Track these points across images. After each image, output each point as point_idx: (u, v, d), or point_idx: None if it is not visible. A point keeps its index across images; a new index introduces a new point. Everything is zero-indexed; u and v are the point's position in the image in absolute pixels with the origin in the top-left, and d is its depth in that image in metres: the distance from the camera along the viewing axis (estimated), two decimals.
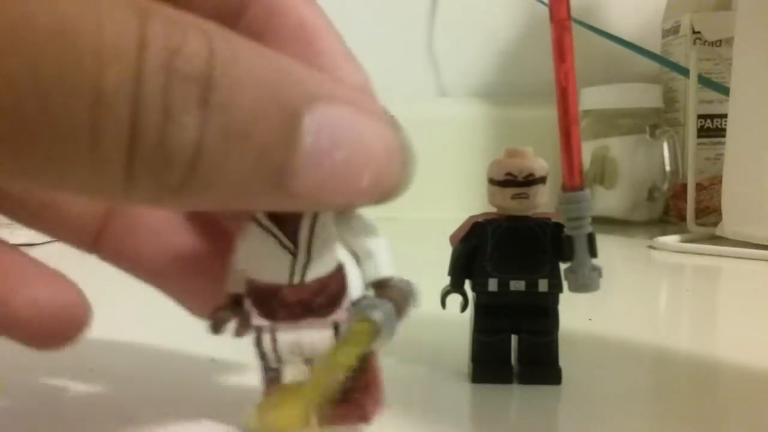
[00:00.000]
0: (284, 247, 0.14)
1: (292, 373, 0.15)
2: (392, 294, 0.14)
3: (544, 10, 0.17)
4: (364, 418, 0.15)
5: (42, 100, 0.08)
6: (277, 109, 0.10)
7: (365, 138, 0.11)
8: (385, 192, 0.12)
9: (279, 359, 0.15)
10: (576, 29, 0.18)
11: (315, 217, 0.14)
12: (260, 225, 0.14)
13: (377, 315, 0.13)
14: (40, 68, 0.08)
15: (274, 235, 0.14)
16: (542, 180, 0.19)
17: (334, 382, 0.12)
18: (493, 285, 0.19)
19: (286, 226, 0.14)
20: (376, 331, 0.13)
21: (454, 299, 0.20)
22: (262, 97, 0.10)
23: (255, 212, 0.14)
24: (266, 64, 0.10)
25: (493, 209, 0.20)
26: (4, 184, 0.09)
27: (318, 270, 0.14)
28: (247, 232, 0.14)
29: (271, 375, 0.15)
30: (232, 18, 0.13)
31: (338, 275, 0.14)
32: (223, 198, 0.10)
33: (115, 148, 0.09)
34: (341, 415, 0.15)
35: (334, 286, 0.14)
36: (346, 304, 0.14)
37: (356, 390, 0.15)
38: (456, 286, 0.20)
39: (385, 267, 0.15)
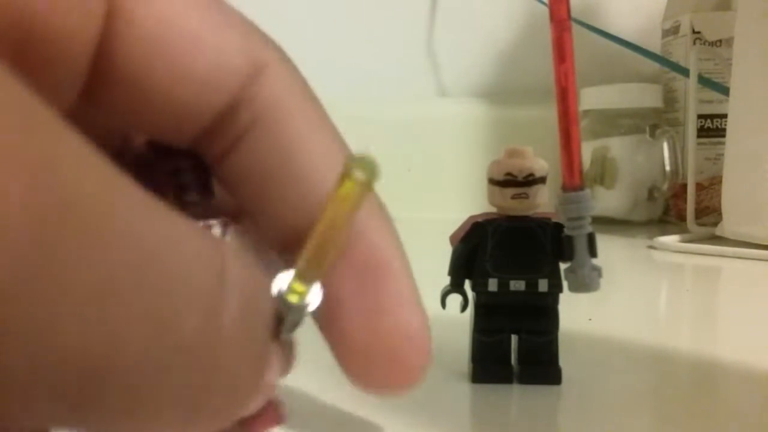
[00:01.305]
0: None
1: None
2: None
3: (544, 10, 0.17)
4: (280, 419, 0.15)
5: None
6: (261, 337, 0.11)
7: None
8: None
9: None
10: (576, 29, 0.18)
11: (225, 230, 0.14)
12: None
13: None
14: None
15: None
16: (542, 180, 0.19)
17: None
18: (493, 285, 0.19)
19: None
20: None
21: (454, 299, 0.20)
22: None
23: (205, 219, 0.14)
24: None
25: (493, 209, 0.20)
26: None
27: None
28: None
29: None
30: (294, 232, 0.13)
31: None
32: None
33: (183, 401, 0.09)
34: (257, 420, 0.15)
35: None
36: None
37: None
38: (456, 286, 0.20)
39: None
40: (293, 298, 0.11)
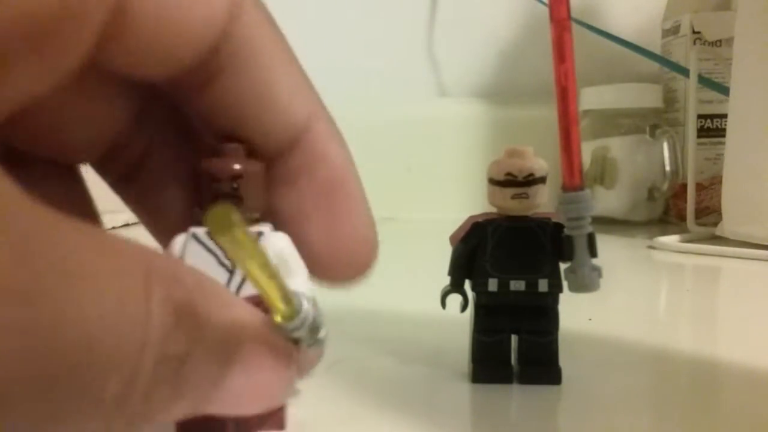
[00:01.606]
0: (222, 264, 0.15)
1: None
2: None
3: (544, 10, 0.17)
4: (281, 425, 0.16)
5: None
6: (213, 368, 0.12)
7: (267, 381, 0.13)
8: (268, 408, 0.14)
9: None
10: (576, 29, 0.18)
11: (255, 239, 0.15)
12: (200, 242, 0.15)
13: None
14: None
15: (213, 253, 0.15)
16: (542, 180, 0.19)
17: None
18: (493, 285, 0.19)
19: None
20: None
21: (454, 299, 0.20)
22: (208, 360, 0.11)
23: (195, 228, 0.15)
24: (223, 321, 0.12)
25: (493, 209, 0.20)
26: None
27: (252, 289, 0.14)
28: (187, 247, 0.15)
29: None
30: (279, 157, 0.15)
31: None
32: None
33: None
34: (259, 422, 0.15)
35: (265, 306, 0.14)
36: None
37: None
38: (456, 286, 0.20)
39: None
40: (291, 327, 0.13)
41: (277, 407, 0.15)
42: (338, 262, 0.15)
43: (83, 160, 0.15)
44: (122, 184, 0.16)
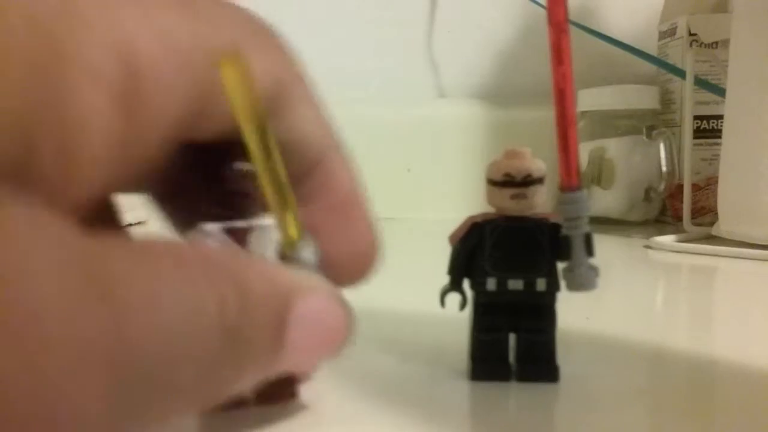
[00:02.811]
0: None
1: None
2: None
3: (542, 13, 0.18)
4: (293, 394, 0.17)
5: None
6: (270, 325, 0.13)
7: (328, 325, 0.14)
8: (334, 357, 0.15)
9: None
10: (573, 31, 0.18)
11: (266, 232, 0.16)
12: (209, 235, 0.15)
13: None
14: None
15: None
16: (540, 180, 0.19)
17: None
18: (491, 284, 0.20)
19: (236, 238, 0.16)
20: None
21: (453, 298, 0.20)
22: (263, 321, 0.13)
23: (204, 222, 0.16)
24: (266, 280, 0.13)
25: (491, 209, 0.20)
26: None
27: None
28: (197, 241, 0.15)
29: None
30: (296, 181, 0.16)
31: None
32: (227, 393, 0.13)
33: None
34: (272, 395, 0.16)
35: None
36: None
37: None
38: (455, 285, 0.20)
39: None
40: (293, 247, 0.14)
41: (337, 351, 0.16)
42: (347, 267, 0.17)
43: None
44: (160, 201, 0.17)
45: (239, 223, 0.16)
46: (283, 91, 0.15)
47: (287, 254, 0.15)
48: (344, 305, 0.14)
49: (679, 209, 0.51)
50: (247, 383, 0.13)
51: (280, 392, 0.17)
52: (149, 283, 0.10)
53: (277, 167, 0.14)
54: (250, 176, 0.15)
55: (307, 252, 0.15)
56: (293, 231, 0.15)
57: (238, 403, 0.16)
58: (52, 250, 0.09)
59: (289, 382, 0.17)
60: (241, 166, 0.15)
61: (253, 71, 0.13)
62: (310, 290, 0.14)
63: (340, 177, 0.17)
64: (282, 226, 0.14)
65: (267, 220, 0.16)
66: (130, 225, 0.24)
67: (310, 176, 0.17)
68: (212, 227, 0.16)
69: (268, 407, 0.17)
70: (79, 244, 0.10)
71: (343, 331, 0.14)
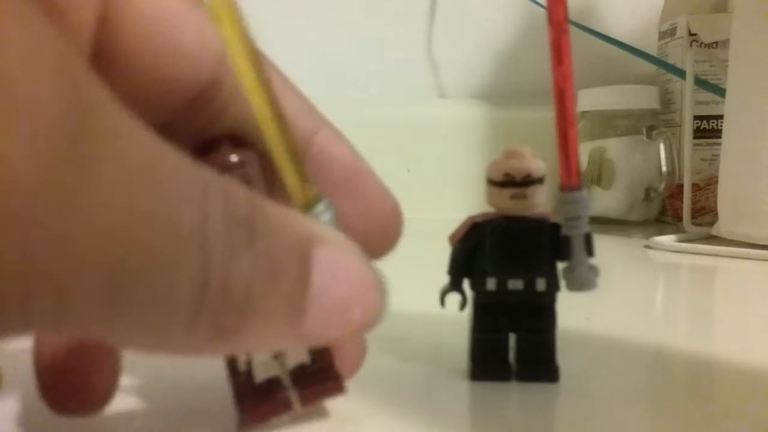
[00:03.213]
0: None
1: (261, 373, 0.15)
2: None
3: (542, 13, 0.18)
4: (340, 388, 0.16)
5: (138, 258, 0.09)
6: (294, 252, 0.11)
7: (355, 276, 0.12)
8: (371, 322, 0.13)
9: (249, 361, 0.15)
10: (573, 31, 0.18)
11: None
12: None
13: None
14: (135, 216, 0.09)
15: None
16: (540, 180, 0.19)
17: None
18: (491, 284, 0.20)
19: None
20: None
21: (453, 298, 0.20)
22: (286, 242, 0.11)
23: None
24: (284, 214, 0.12)
25: (491, 209, 0.20)
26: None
27: None
28: None
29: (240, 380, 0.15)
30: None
31: None
32: (255, 341, 0.11)
33: (188, 298, 0.10)
34: (318, 392, 0.16)
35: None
36: None
37: (323, 365, 0.16)
38: (455, 285, 0.20)
39: None
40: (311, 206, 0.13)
41: (359, 337, 0.15)
42: (376, 238, 0.16)
43: None
44: None
45: None
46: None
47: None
48: (371, 266, 0.13)
49: (679, 209, 0.51)
50: (275, 330, 0.11)
51: (326, 385, 0.16)
52: (125, 120, 0.09)
53: (280, 115, 0.13)
54: (248, 165, 0.15)
55: (327, 215, 0.13)
56: (308, 189, 0.13)
57: (280, 407, 0.15)
58: (34, 38, 0.08)
59: (333, 373, 0.16)
60: (236, 157, 0.15)
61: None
62: (334, 241, 0.12)
63: (338, 151, 0.16)
64: (293, 185, 0.13)
65: None
66: None
67: (307, 156, 0.16)
68: None
69: (311, 409, 0.16)
70: (66, 49, 0.09)
71: (371, 290, 0.12)
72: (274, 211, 0.11)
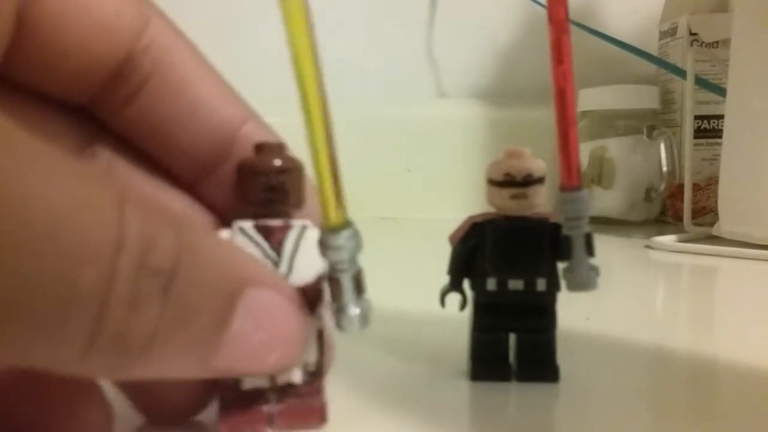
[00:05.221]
0: (267, 257, 0.15)
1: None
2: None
3: (542, 12, 0.18)
4: (320, 418, 0.16)
5: (23, 290, 0.09)
6: (218, 296, 0.12)
7: (279, 325, 0.13)
8: (286, 366, 0.14)
9: None
10: (574, 31, 0.18)
11: (302, 232, 0.15)
12: (246, 235, 0.15)
13: None
14: (28, 265, 0.09)
15: (259, 245, 0.15)
16: (540, 180, 0.19)
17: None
18: (491, 284, 0.20)
19: (272, 236, 0.15)
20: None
21: (454, 298, 0.20)
22: (209, 290, 0.11)
23: (242, 222, 0.15)
24: (223, 254, 0.12)
25: (492, 209, 0.20)
26: None
27: (297, 279, 0.15)
28: (234, 240, 0.15)
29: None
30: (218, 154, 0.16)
31: (316, 285, 0.15)
32: (156, 373, 0.11)
33: (78, 335, 0.10)
34: (296, 416, 0.16)
35: (312, 295, 0.15)
36: (322, 311, 0.15)
37: (311, 391, 0.16)
38: (455, 285, 0.20)
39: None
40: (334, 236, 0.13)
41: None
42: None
43: None
44: None
45: (274, 222, 0.15)
46: (155, 39, 0.15)
47: (326, 241, 0.13)
48: (300, 312, 0.13)
49: (679, 209, 0.51)
50: (181, 364, 0.11)
51: (307, 413, 0.16)
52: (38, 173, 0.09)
53: (331, 133, 0.13)
54: (290, 172, 0.15)
55: (350, 243, 0.13)
56: (340, 213, 0.13)
57: (258, 420, 0.15)
58: None
59: (316, 407, 0.16)
60: (280, 162, 0.15)
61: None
62: (269, 283, 0.12)
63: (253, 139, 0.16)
64: (328, 206, 0.13)
65: (302, 221, 0.16)
66: None
67: (233, 147, 0.16)
68: (245, 224, 0.15)
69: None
70: None
71: (292, 341, 0.13)
72: (209, 254, 0.11)
